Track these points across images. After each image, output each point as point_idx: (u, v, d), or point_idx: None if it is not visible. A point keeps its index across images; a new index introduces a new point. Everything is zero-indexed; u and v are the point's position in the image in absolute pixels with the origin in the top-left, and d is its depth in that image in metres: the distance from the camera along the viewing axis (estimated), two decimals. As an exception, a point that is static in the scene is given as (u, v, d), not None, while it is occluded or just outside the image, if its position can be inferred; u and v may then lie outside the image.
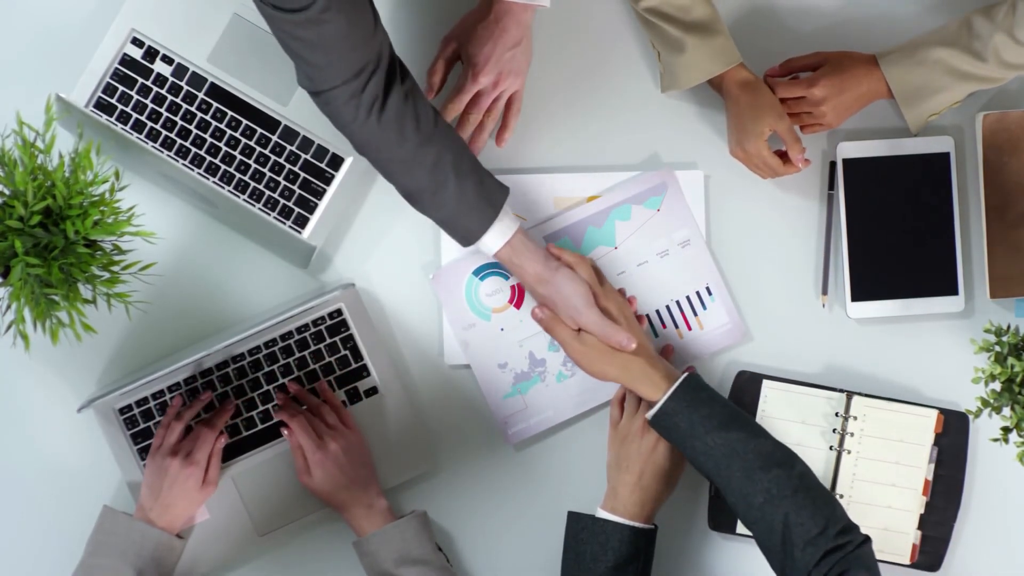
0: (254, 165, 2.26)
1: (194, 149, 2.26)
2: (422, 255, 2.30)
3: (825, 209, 2.30)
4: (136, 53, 2.26)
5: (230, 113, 2.26)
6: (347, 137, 2.09)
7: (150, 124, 2.25)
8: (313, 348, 2.27)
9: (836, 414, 2.26)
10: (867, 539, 2.08)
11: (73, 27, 2.28)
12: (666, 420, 2.15)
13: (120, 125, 2.25)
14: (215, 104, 2.26)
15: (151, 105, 2.26)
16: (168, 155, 2.25)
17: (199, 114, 2.26)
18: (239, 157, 2.26)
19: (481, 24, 2.22)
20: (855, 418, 2.26)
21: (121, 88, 2.25)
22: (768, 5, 2.31)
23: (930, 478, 2.27)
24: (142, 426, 2.25)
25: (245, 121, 2.26)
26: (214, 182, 2.26)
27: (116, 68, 2.25)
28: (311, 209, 2.26)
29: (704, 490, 2.28)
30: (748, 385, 2.27)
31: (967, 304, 2.30)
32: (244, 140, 2.26)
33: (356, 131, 2.07)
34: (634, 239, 2.29)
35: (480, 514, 2.29)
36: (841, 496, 2.25)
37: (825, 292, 2.30)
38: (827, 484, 2.25)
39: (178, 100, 2.26)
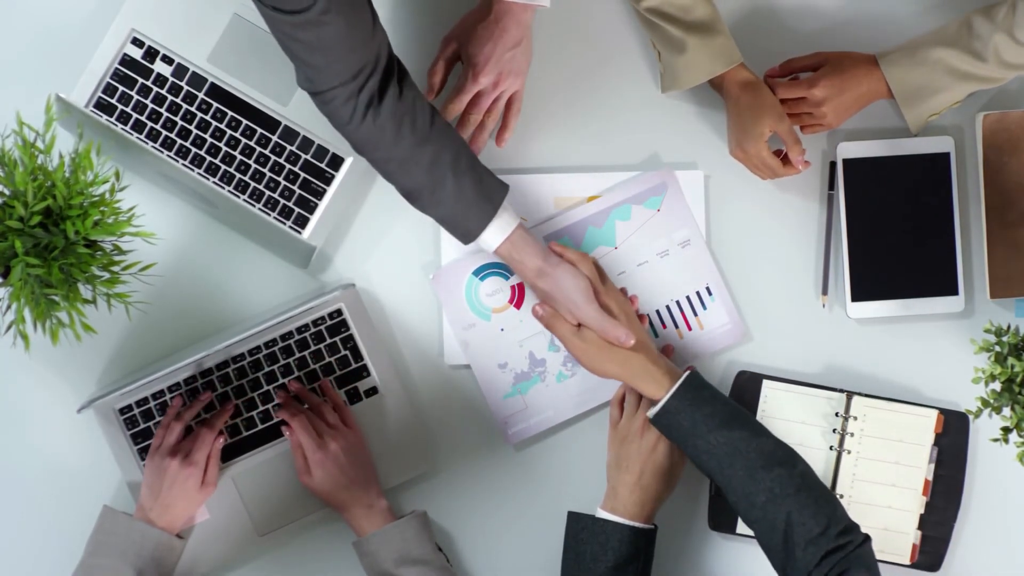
0: (254, 165, 2.26)
1: (194, 149, 2.26)
2: (422, 255, 2.30)
3: (825, 209, 2.30)
4: (136, 53, 2.25)
5: (230, 113, 2.26)
6: (345, 137, 2.10)
7: (150, 124, 2.25)
8: (313, 348, 2.26)
9: (836, 414, 2.26)
10: (867, 538, 2.08)
11: (73, 27, 2.27)
12: (668, 418, 2.15)
13: (120, 125, 2.25)
14: (215, 104, 2.26)
15: (151, 105, 2.25)
16: (168, 155, 2.25)
17: (199, 114, 2.26)
18: (239, 157, 2.26)
19: (481, 24, 2.22)
20: (855, 418, 2.26)
21: (121, 88, 2.25)
22: (768, 5, 2.31)
23: (930, 478, 2.26)
24: (142, 426, 2.25)
25: (245, 121, 2.26)
26: (214, 182, 2.26)
27: (116, 68, 2.25)
28: (311, 209, 2.26)
29: (704, 490, 2.28)
30: (748, 385, 2.27)
31: (967, 304, 2.30)
32: (244, 140, 2.26)
33: (353, 131, 2.08)
34: (634, 239, 2.29)
35: (480, 514, 2.29)
36: (841, 496, 2.25)
37: (825, 292, 2.30)
38: (827, 484, 2.24)
39: (178, 100, 2.26)
